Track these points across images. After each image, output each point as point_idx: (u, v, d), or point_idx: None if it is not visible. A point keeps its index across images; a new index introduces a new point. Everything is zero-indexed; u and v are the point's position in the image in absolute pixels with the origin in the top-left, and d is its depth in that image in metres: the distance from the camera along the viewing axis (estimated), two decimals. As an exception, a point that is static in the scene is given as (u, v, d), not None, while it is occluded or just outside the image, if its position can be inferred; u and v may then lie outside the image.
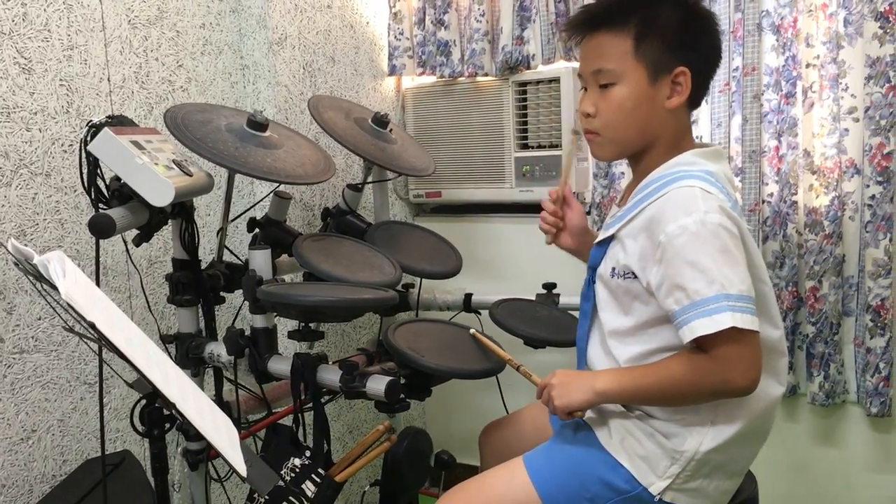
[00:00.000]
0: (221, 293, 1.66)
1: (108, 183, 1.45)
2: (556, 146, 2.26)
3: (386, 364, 1.54)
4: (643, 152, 1.31)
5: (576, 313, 1.78)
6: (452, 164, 2.46)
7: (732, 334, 1.12)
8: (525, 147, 2.33)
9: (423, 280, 1.94)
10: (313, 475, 1.45)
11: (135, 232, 1.49)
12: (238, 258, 1.80)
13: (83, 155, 1.41)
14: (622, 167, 2.16)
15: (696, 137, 2.03)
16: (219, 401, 1.59)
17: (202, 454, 1.60)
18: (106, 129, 1.36)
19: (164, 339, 1.61)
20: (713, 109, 2.03)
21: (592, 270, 1.35)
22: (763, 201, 1.98)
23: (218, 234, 1.72)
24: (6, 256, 1.56)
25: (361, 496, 2.29)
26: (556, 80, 2.23)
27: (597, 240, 1.36)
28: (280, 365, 1.50)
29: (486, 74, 2.35)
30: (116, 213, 1.35)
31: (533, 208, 2.37)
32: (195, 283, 1.59)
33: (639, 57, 1.24)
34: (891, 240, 1.84)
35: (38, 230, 1.65)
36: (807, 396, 2.01)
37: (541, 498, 1.28)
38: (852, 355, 1.97)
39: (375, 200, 2.18)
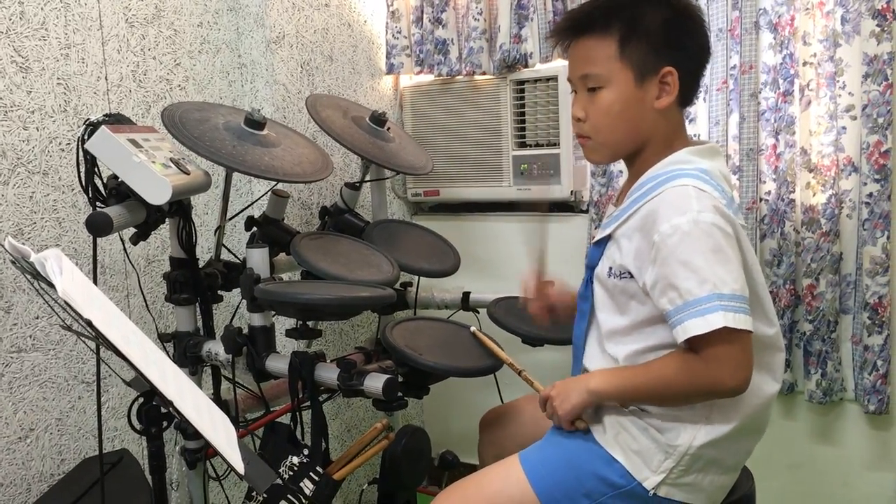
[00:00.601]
0: (219, 292, 1.66)
1: (105, 181, 1.45)
2: (555, 144, 2.26)
3: (384, 362, 1.55)
4: (637, 153, 1.31)
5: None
6: (450, 162, 2.46)
7: (724, 334, 1.12)
8: (523, 145, 2.33)
9: (421, 278, 1.94)
10: (311, 473, 1.45)
11: (132, 231, 1.49)
12: (236, 257, 1.80)
13: (80, 153, 1.41)
14: (620, 165, 2.16)
15: (695, 135, 2.04)
16: (217, 399, 1.59)
17: (200, 453, 1.60)
18: (103, 127, 1.36)
19: (162, 338, 1.61)
20: (711, 107, 2.03)
21: (590, 270, 1.35)
22: (760, 199, 1.98)
23: (216, 232, 1.72)
24: (3, 255, 1.56)
25: (360, 494, 2.29)
26: (554, 79, 2.23)
27: (594, 240, 1.36)
28: (278, 363, 1.50)
29: (484, 73, 2.35)
30: (114, 212, 1.35)
31: (531, 206, 2.38)
32: (193, 282, 1.59)
33: (624, 59, 1.25)
34: (888, 237, 1.84)
35: (35, 229, 1.65)
36: (804, 394, 2.01)
37: (536, 494, 1.28)
38: (850, 353, 1.97)
39: (373, 199, 2.18)
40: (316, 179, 1.68)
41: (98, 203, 1.43)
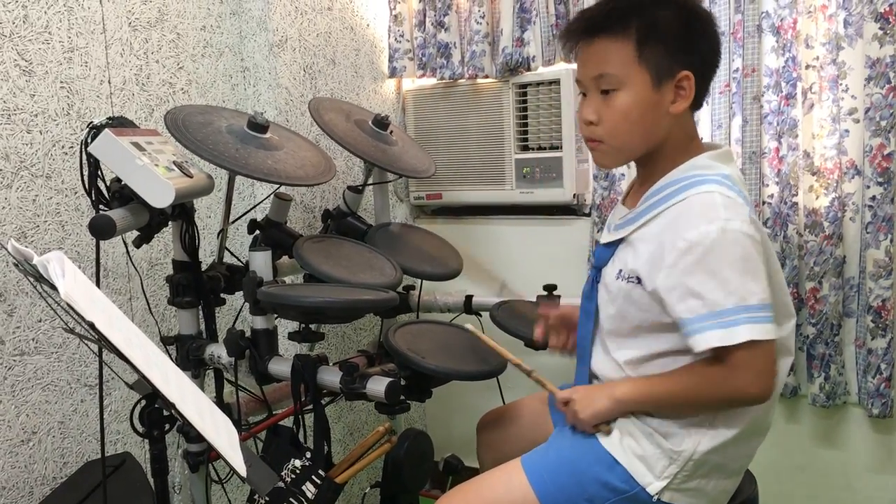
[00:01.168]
0: (222, 295, 1.66)
1: (108, 184, 1.45)
2: (557, 148, 2.26)
3: (386, 365, 1.54)
4: (649, 156, 1.29)
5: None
6: (453, 165, 2.46)
7: (748, 344, 1.12)
8: (525, 149, 2.33)
9: (424, 282, 1.94)
10: (314, 476, 1.45)
11: (135, 234, 1.49)
12: (238, 260, 1.80)
13: (84, 156, 1.41)
14: (622, 168, 2.15)
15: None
16: (219, 402, 1.59)
17: (203, 456, 1.60)
18: (106, 130, 1.36)
19: (165, 341, 1.61)
20: (713, 111, 2.03)
21: (597, 270, 1.35)
22: (763, 202, 1.98)
23: (218, 235, 1.72)
24: (7, 258, 1.56)
25: (362, 498, 2.29)
26: (557, 82, 2.23)
27: (604, 241, 1.35)
28: (280, 366, 1.50)
29: (487, 76, 2.36)
30: (117, 215, 1.35)
31: (533, 210, 2.38)
32: (195, 285, 1.59)
33: (642, 62, 1.22)
34: (891, 241, 1.83)
35: (38, 232, 1.65)
36: (808, 398, 2.01)
37: (539, 499, 1.28)
38: (853, 356, 1.97)
39: (376, 202, 2.18)
40: (319, 183, 1.68)
41: (101, 206, 1.44)
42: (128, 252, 1.65)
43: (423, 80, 2.50)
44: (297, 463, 1.46)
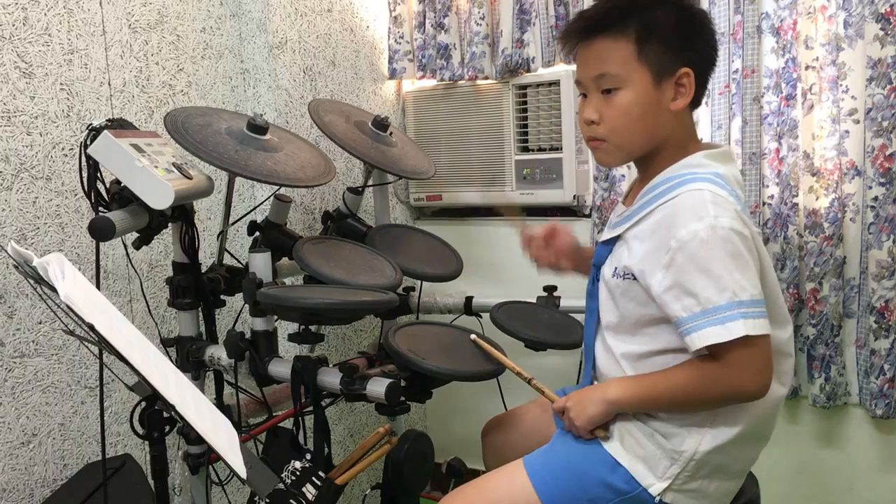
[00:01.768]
0: (222, 296, 1.66)
1: (108, 186, 1.45)
2: (557, 149, 2.26)
3: (386, 367, 1.54)
4: (650, 155, 1.29)
5: (577, 316, 1.79)
6: (453, 167, 2.46)
7: (744, 340, 1.12)
8: (525, 150, 2.33)
9: (424, 283, 1.94)
10: (314, 478, 1.45)
11: (135, 235, 1.49)
12: (238, 261, 1.80)
13: (83, 158, 1.41)
14: (622, 169, 2.15)
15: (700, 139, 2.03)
16: (219, 404, 1.59)
17: (203, 458, 1.60)
18: (106, 132, 1.36)
19: (165, 343, 1.61)
20: (713, 111, 2.03)
21: (597, 268, 1.35)
22: (763, 203, 1.98)
23: (218, 237, 1.72)
24: (7, 260, 1.56)
25: (362, 499, 2.29)
26: (556, 83, 2.23)
27: (602, 238, 1.36)
28: (280, 368, 1.50)
29: (487, 77, 2.36)
30: (116, 216, 1.35)
31: (534, 211, 2.38)
32: (195, 287, 1.59)
33: (642, 60, 1.23)
34: (894, 241, 1.83)
35: (38, 234, 1.65)
36: (808, 398, 2.00)
37: (541, 500, 1.27)
38: (854, 357, 1.96)
39: (376, 204, 2.18)
40: (318, 184, 1.68)
41: (101, 208, 1.43)
42: (127, 254, 1.65)
43: (423, 81, 2.50)
44: (298, 464, 1.46)
